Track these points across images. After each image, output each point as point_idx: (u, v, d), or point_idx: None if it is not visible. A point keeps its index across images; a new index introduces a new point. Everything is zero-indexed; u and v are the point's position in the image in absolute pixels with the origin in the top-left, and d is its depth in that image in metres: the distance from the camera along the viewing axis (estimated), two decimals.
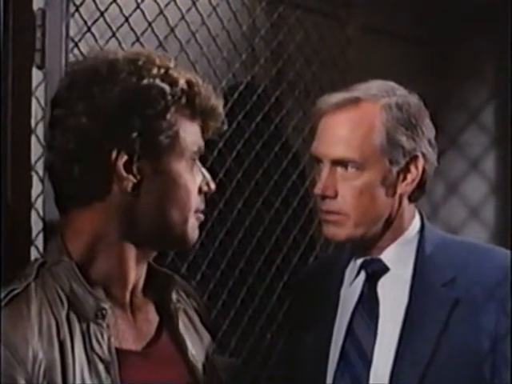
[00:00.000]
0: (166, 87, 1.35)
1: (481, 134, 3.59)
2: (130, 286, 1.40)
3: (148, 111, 1.33)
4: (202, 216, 1.42)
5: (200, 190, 1.41)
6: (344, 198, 1.63)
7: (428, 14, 3.40)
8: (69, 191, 1.37)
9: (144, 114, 1.33)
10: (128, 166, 1.34)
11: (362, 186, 1.63)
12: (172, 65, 1.39)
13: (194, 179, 1.40)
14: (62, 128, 1.35)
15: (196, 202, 1.40)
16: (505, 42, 3.32)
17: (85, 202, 1.36)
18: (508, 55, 3.30)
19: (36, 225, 1.69)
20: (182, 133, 1.37)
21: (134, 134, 1.33)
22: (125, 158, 1.33)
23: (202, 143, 1.41)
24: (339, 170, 1.64)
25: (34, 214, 1.70)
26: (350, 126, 1.64)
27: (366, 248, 1.69)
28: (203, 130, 1.42)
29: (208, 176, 1.43)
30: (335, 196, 1.64)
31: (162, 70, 1.36)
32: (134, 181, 1.34)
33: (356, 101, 1.64)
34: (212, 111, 1.41)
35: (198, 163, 1.42)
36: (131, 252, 1.38)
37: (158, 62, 1.37)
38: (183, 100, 1.36)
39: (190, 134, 1.38)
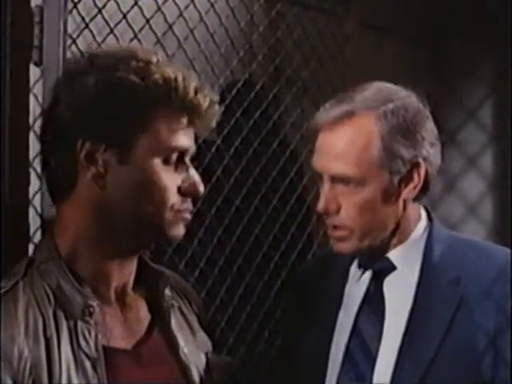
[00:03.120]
0: (138, 81, 1.33)
1: (479, 131, 3.59)
2: (114, 284, 1.39)
3: (118, 104, 1.33)
4: (186, 215, 1.39)
5: (180, 190, 1.37)
6: (347, 212, 1.62)
7: (426, 12, 3.40)
8: (50, 185, 1.39)
9: (113, 106, 1.33)
10: (91, 157, 1.33)
11: (364, 201, 1.61)
12: (154, 59, 1.37)
13: (171, 177, 1.36)
14: (46, 121, 1.39)
15: (173, 199, 1.36)
16: (504, 40, 3.32)
17: (64, 196, 1.37)
18: (507, 53, 3.30)
19: (34, 222, 1.69)
20: (155, 128, 1.34)
21: (101, 126, 1.33)
22: (88, 147, 1.33)
23: (182, 140, 1.37)
24: (340, 185, 1.62)
25: (31, 211, 1.70)
26: (346, 142, 1.61)
27: (373, 254, 1.68)
28: (190, 128, 1.38)
29: (195, 178, 1.39)
30: (338, 211, 1.63)
31: (141, 64, 1.35)
32: (96, 171, 1.34)
33: (351, 115, 1.61)
34: (193, 108, 1.37)
35: (188, 163, 1.39)
36: (112, 248, 1.37)
37: (138, 55, 1.36)
38: (158, 95, 1.34)
39: (165, 131, 1.35)
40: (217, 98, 1.41)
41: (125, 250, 1.39)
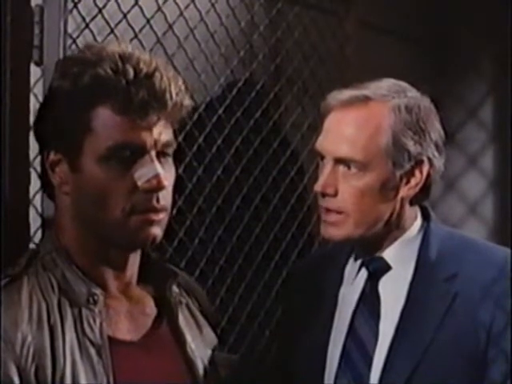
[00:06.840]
0: (69, 86, 1.32)
1: (479, 130, 3.59)
2: (114, 281, 1.40)
3: (55, 113, 1.34)
4: (153, 217, 1.34)
5: (137, 188, 1.32)
6: (344, 197, 1.62)
7: (426, 11, 3.40)
8: (43, 184, 1.43)
9: (53, 116, 1.34)
10: (53, 166, 1.37)
11: (364, 187, 1.61)
12: (96, 57, 1.32)
13: (122, 177, 1.32)
14: None
15: (125, 201, 1.32)
16: (504, 38, 3.32)
17: (53, 197, 1.41)
18: (508, 51, 3.30)
19: (34, 221, 1.69)
20: (93, 130, 1.32)
21: (50, 136, 1.36)
22: (51, 158, 1.36)
23: (127, 137, 1.31)
24: (341, 168, 1.62)
25: (32, 211, 1.70)
26: (356, 126, 1.62)
27: (366, 248, 1.69)
28: (145, 122, 1.32)
29: (156, 171, 1.32)
30: (335, 194, 1.63)
31: (75, 69, 1.33)
32: (59, 180, 1.36)
33: (365, 100, 1.62)
34: (137, 102, 1.31)
35: (151, 157, 1.32)
36: (98, 250, 1.38)
37: (81, 58, 1.35)
38: (89, 96, 1.31)
39: (104, 131, 1.32)
40: (168, 86, 1.33)
41: (109, 253, 1.39)
